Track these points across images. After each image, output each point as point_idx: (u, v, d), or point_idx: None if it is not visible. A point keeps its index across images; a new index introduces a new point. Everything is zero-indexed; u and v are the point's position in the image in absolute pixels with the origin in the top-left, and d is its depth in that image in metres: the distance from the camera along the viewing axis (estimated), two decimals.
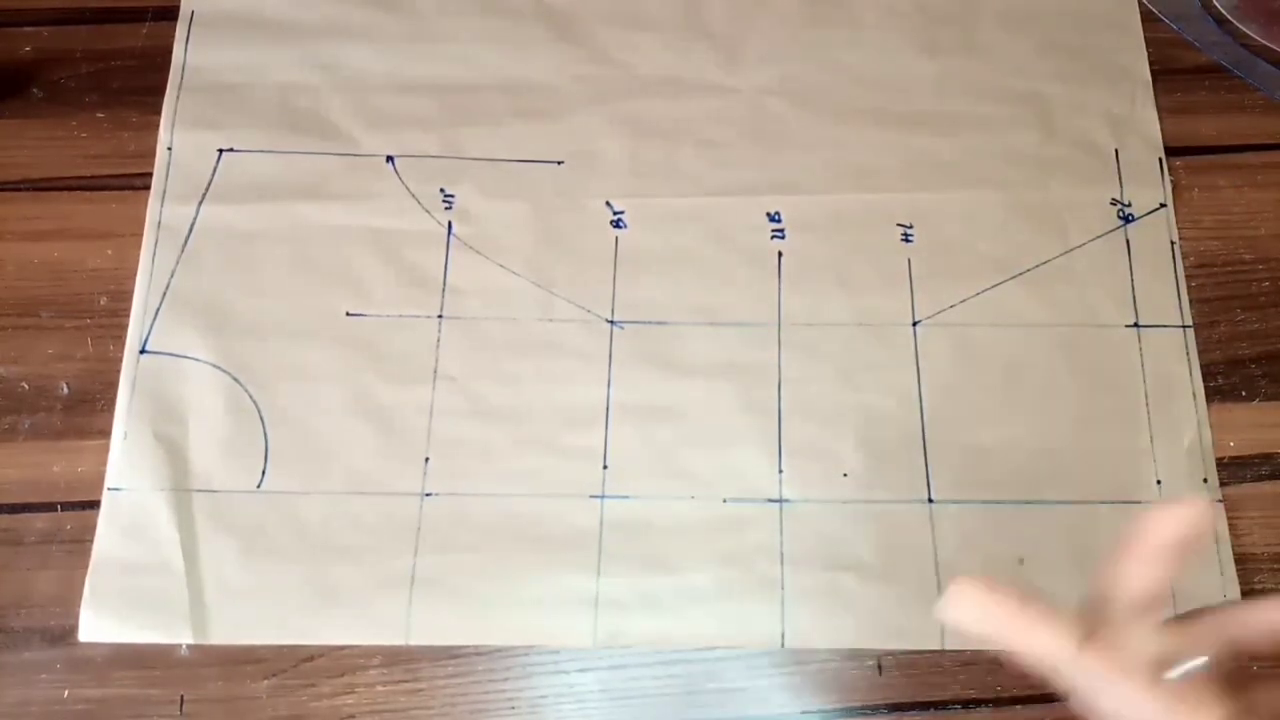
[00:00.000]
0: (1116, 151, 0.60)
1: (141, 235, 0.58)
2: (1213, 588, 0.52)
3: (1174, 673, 0.34)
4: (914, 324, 0.57)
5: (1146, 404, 0.55)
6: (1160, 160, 0.60)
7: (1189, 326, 0.57)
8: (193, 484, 0.53)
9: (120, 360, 0.55)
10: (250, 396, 0.55)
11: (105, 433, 0.54)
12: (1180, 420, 0.55)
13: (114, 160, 0.60)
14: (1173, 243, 0.58)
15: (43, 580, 0.52)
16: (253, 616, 0.51)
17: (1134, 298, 0.57)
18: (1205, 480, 0.54)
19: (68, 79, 0.62)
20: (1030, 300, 0.57)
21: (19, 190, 0.60)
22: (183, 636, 0.51)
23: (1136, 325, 0.56)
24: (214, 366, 0.55)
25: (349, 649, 0.51)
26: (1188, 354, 0.56)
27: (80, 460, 0.54)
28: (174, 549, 0.52)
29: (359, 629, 0.51)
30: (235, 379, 0.55)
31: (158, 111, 0.61)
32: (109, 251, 0.58)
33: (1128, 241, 0.58)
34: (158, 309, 0.57)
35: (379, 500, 0.53)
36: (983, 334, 0.56)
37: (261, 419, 0.55)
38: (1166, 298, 0.57)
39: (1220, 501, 0.54)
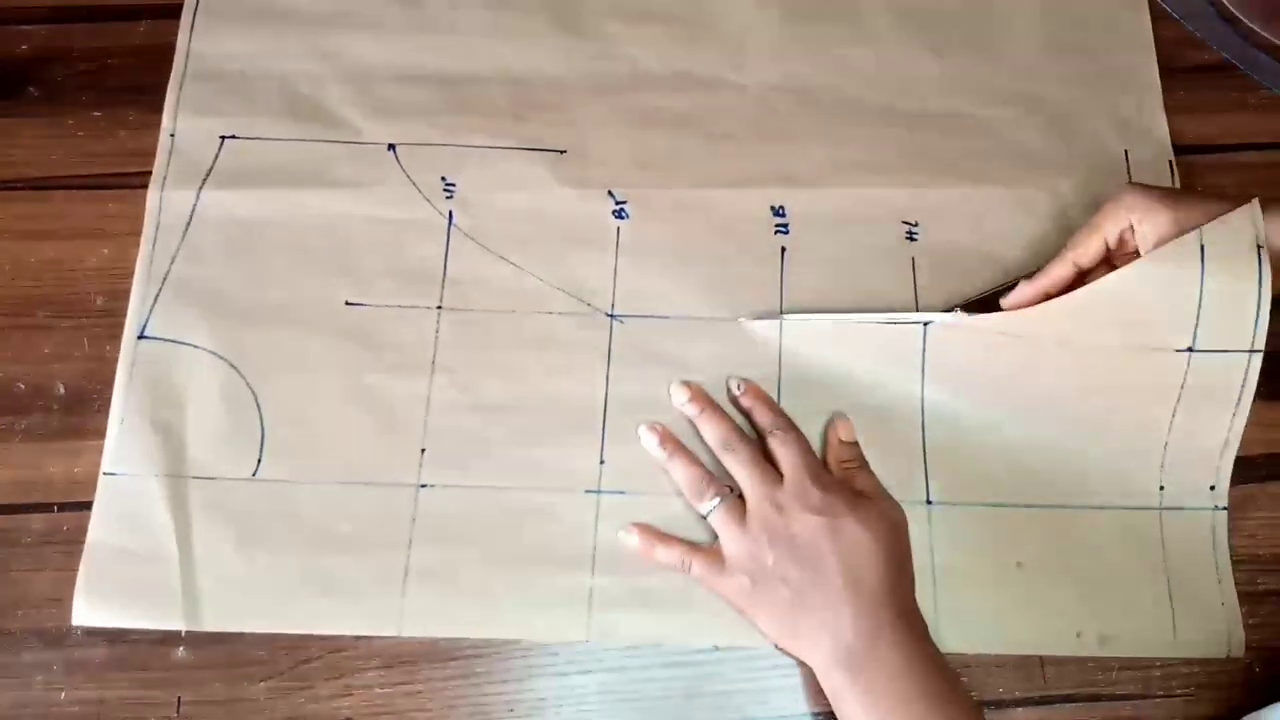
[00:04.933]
0: (1126, 153, 0.60)
1: (139, 234, 0.58)
2: (1210, 596, 0.52)
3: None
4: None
5: (1174, 410, 0.52)
6: (1170, 163, 0.60)
7: None
8: (188, 470, 0.53)
9: (116, 360, 0.55)
10: (247, 384, 0.55)
11: (102, 433, 0.54)
12: (1195, 423, 0.52)
13: (111, 159, 0.60)
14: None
15: (39, 581, 0.52)
16: (245, 604, 0.51)
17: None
18: (1213, 488, 0.53)
19: (65, 77, 0.62)
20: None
21: (15, 189, 0.59)
22: (175, 623, 0.51)
23: None
24: (212, 353, 0.55)
25: (347, 650, 0.51)
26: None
27: (77, 461, 0.54)
28: (168, 535, 0.52)
29: (352, 619, 0.51)
30: (233, 366, 0.55)
31: (155, 109, 0.61)
32: (105, 250, 0.58)
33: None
34: (157, 294, 0.57)
35: (374, 491, 0.53)
36: (987, 334, 0.55)
37: (258, 407, 0.54)
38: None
39: (1224, 509, 0.53)
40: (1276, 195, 0.59)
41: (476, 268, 0.57)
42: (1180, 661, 0.51)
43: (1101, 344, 0.51)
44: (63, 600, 0.51)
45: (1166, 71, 0.62)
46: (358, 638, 0.51)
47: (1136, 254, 0.51)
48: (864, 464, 0.53)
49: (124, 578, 0.51)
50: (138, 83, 0.61)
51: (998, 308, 0.54)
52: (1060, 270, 0.52)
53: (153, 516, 0.52)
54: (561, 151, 0.60)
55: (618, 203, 0.59)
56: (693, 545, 0.51)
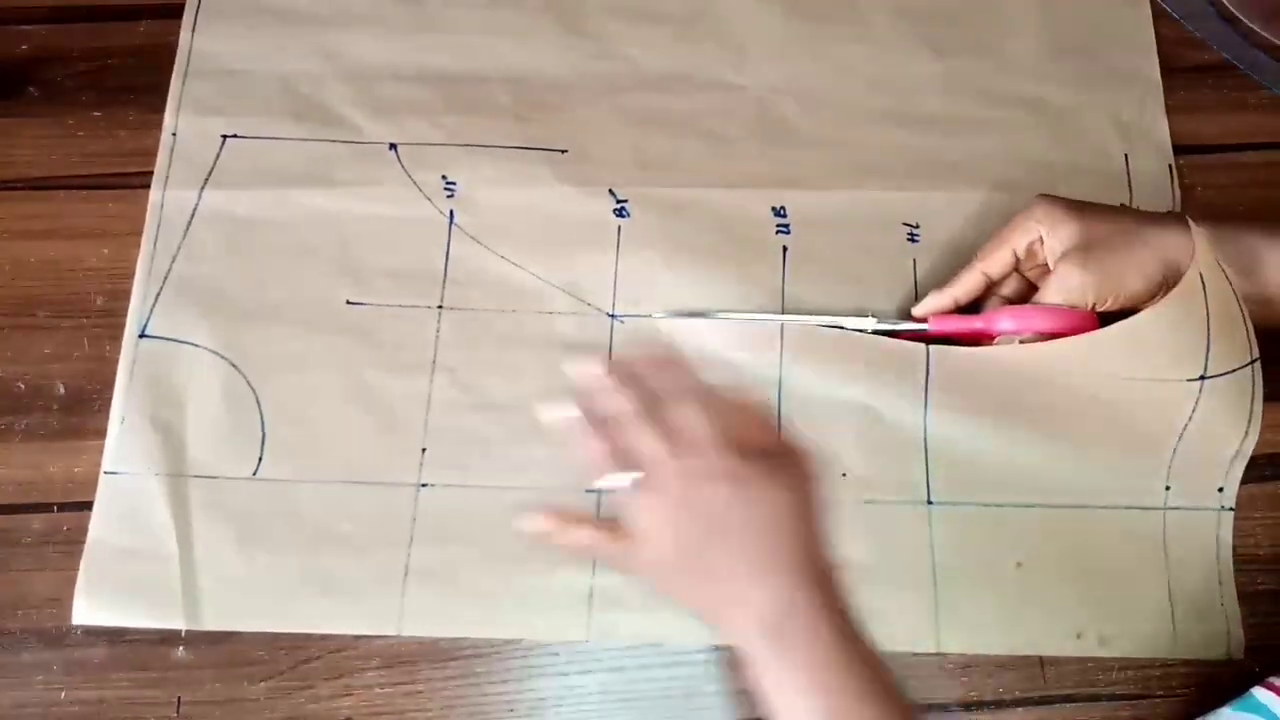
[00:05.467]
0: (1126, 157, 0.60)
1: (139, 234, 0.58)
2: (1210, 597, 0.52)
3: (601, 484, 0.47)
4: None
5: (1185, 427, 0.52)
6: (1170, 167, 0.60)
7: None
8: (189, 469, 0.53)
9: (117, 360, 0.55)
10: (248, 383, 0.55)
11: (101, 433, 0.54)
12: (1207, 437, 0.52)
13: (111, 159, 0.60)
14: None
15: (39, 581, 0.52)
16: (245, 604, 0.51)
17: None
18: (1221, 489, 0.53)
19: (65, 77, 0.62)
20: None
21: (15, 189, 0.59)
22: (175, 622, 0.51)
23: None
24: (212, 352, 0.55)
25: (347, 650, 0.51)
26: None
27: (77, 461, 0.54)
28: (168, 534, 0.52)
29: (352, 618, 0.51)
30: (234, 365, 0.55)
31: (155, 110, 0.61)
32: (105, 251, 0.58)
33: None
34: (158, 293, 0.57)
35: (374, 490, 0.53)
36: (991, 362, 0.54)
37: (259, 406, 0.54)
38: None
39: (1231, 510, 0.53)
40: (1277, 195, 0.59)
41: (477, 267, 0.57)
42: (1180, 661, 0.51)
43: (1112, 378, 0.51)
44: (63, 600, 0.51)
45: (1166, 71, 0.62)
46: (358, 637, 0.51)
47: (1045, 267, 0.51)
48: (778, 424, 0.53)
49: (124, 577, 0.52)
50: (138, 83, 0.61)
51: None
52: (970, 280, 0.53)
53: (153, 515, 0.52)
54: (562, 151, 0.60)
55: (618, 202, 0.59)
56: (603, 524, 0.49)
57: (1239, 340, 0.50)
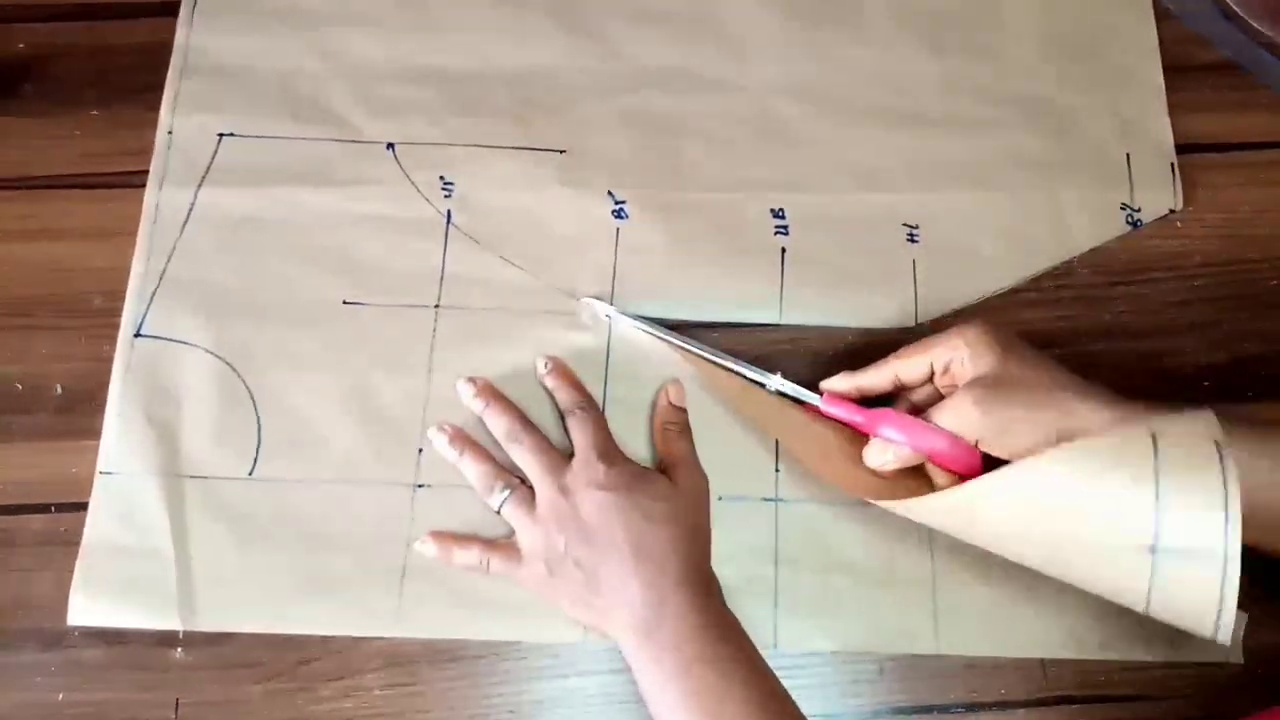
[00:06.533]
0: (1128, 156, 0.60)
1: (137, 234, 0.57)
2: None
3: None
4: (916, 325, 0.56)
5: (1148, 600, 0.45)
6: (1172, 166, 0.60)
7: None
8: (184, 469, 0.53)
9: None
10: (244, 383, 0.55)
11: (99, 433, 0.54)
12: (1171, 603, 0.45)
13: (110, 158, 0.60)
14: None
15: (38, 582, 0.52)
16: (242, 604, 0.51)
17: None
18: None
19: (64, 76, 0.62)
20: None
21: (14, 189, 0.59)
22: (171, 622, 0.51)
23: None
24: (208, 352, 0.55)
25: (347, 651, 0.51)
26: None
27: (75, 461, 0.54)
28: (164, 534, 0.52)
29: (348, 619, 0.51)
30: (229, 365, 0.55)
31: (154, 108, 0.60)
32: (104, 250, 0.58)
33: None
34: (154, 292, 0.56)
35: (371, 490, 0.53)
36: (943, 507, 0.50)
37: (255, 406, 0.54)
38: None
39: None
40: (1275, 195, 0.59)
41: (475, 267, 0.57)
42: (1180, 663, 0.51)
43: (1061, 529, 0.45)
44: (61, 601, 0.51)
45: (1169, 71, 0.62)
46: (358, 639, 0.51)
47: (954, 386, 0.49)
48: (685, 429, 0.53)
49: (120, 577, 0.51)
50: (137, 82, 0.61)
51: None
52: (880, 376, 0.51)
53: (149, 515, 0.52)
54: (561, 151, 0.60)
55: (617, 203, 0.59)
56: (489, 542, 0.51)
57: (1211, 519, 0.41)
